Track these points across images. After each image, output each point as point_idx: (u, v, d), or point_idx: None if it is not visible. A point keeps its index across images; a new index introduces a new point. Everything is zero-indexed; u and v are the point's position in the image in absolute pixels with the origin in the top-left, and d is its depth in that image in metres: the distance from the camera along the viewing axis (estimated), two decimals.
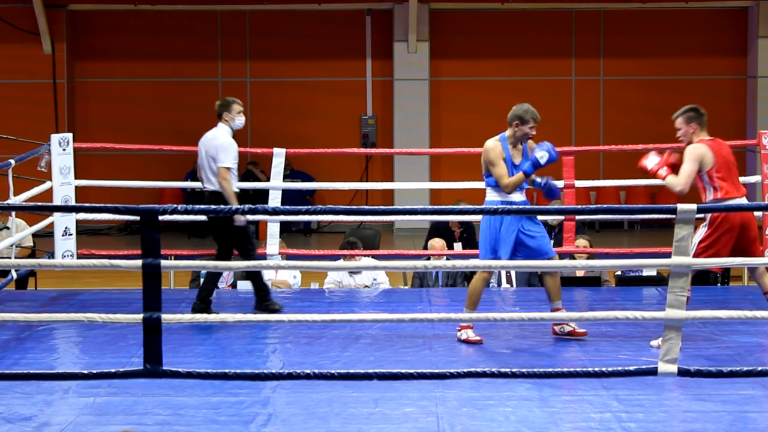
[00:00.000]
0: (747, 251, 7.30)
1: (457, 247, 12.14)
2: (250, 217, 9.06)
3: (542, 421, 6.12)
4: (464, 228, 12.47)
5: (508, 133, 7.77)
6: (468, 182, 10.37)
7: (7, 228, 11.42)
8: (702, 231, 7.39)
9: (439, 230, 12.25)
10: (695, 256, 7.30)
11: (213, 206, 6.42)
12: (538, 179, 7.81)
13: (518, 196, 7.71)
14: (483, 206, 7.21)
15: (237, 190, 8.53)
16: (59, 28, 19.13)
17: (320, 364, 7.15)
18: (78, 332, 8.10)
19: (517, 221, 7.63)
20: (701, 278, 9.80)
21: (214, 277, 8.68)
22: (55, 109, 19.14)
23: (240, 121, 8.55)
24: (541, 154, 7.58)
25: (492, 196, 7.74)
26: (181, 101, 19.42)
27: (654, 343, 7.34)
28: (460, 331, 7.77)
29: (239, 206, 7.26)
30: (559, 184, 10.05)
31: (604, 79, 19.60)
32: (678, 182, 7.35)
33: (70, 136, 9.86)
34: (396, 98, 19.29)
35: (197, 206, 6.35)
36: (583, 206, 6.49)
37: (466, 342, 7.70)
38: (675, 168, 7.44)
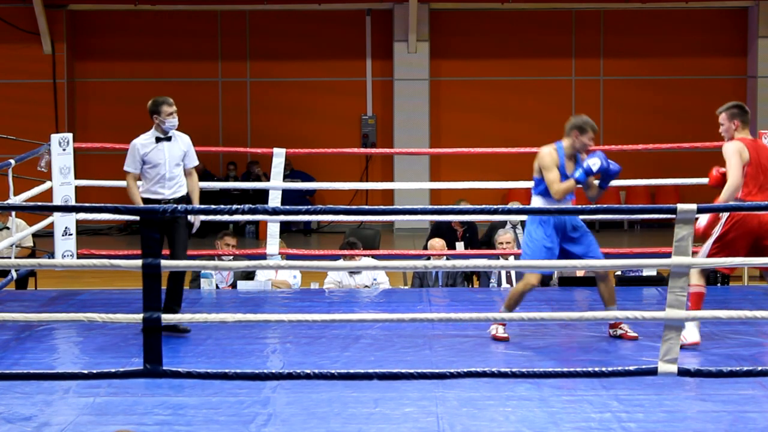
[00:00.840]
0: (764, 254, 7.13)
1: (460, 246, 12.14)
2: (250, 217, 8.96)
3: (542, 421, 6.12)
4: (466, 228, 12.47)
5: (565, 143, 7.68)
6: (468, 182, 10.37)
7: (7, 228, 11.42)
8: (718, 230, 7.30)
9: (441, 230, 12.25)
10: (710, 255, 7.24)
11: (214, 206, 6.40)
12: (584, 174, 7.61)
13: (564, 202, 7.63)
14: (483, 206, 7.18)
15: (145, 197, 7.89)
16: (59, 28, 19.14)
17: (320, 364, 7.15)
18: (78, 332, 8.09)
19: (561, 230, 7.59)
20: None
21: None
22: (55, 109, 19.14)
23: (170, 123, 7.98)
24: (594, 161, 7.52)
25: (537, 204, 7.69)
26: (181, 101, 19.31)
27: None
28: (492, 325, 7.81)
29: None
30: None
31: (604, 79, 19.61)
32: (729, 184, 7.20)
33: (70, 136, 9.86)
34: (396, 98, 19.29)
35: (197, 206, 6.36)
36: (583, 206, 6.46)
37: (494, 338, 7.73)
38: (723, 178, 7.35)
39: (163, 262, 5.96)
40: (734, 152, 7.22)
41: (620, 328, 7.76)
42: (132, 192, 7.93)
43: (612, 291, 7.72)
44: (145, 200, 7.85)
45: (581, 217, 7.84)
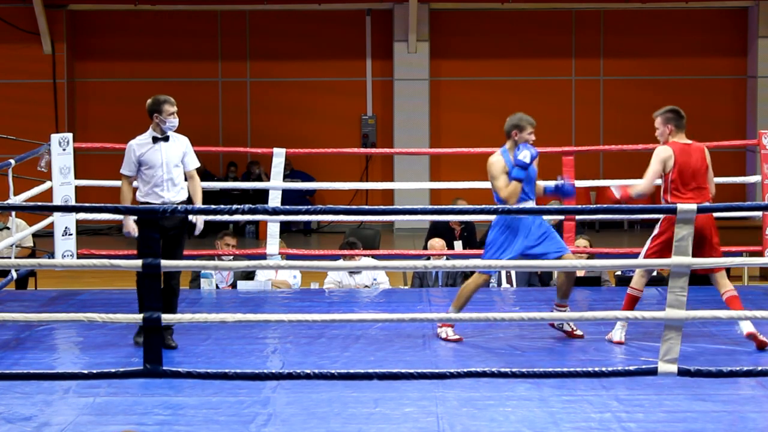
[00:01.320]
0: (704, 251, 7.30)
1: (458, 245, 12.13)
2: (250, 217, 8.89)
3: (542, 421, 6.12)
4: (465, 226, 12.47)
5: (508, 145, 7.77)
6: (468, 182, 10.37)
7: (8, 228, 11.42)
8: (656, 229, 7.50)
9: (439, 229, 12.25)
10: (648, 254, 7.42)
11: (214, 206, 6.39)
12: (549, 185, 7.82)
13: (528, 204, 7.67)
14: (483, 206, 7.18)
15: (143, 200, 7.57)
16: (59, 28, 19.13)
17: (320, 364, 7.15)
18: (78, 332, 8.10)
19: (524, 238, 7.60)
20: (702, 278, 9.79)
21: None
22: (55, 109, 19.14)
23: (171, 123, 7.70)
24: (523, 154, 7.57)
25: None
26: (181, 101, 19.31)
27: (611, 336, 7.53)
28: (440, 328, 7.81)
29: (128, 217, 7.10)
30: None
31: (604, 79, 19.61)
32: (639, 184, 7.48)
33: (70, 136, 9.86)
34: (396, 98, 19.29)
35: (197, 206, 6.36)
36: (583, 206, 6.48)
37: (446, 340, 7.72)
38: None
39: (164, 262, 5.96)
40: (657, 159, 7.39)
41: (567, 325, 7.82)
42: (124, 196, 7.62)
43: (569, 285, 7.79)
44: (145, 204, 7.50)
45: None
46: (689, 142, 7.49)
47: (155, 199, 7.54)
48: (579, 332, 7.81)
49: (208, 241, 11.21)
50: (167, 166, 7.61)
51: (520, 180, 7.60)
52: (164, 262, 6.01)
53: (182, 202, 7.65)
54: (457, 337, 7.75)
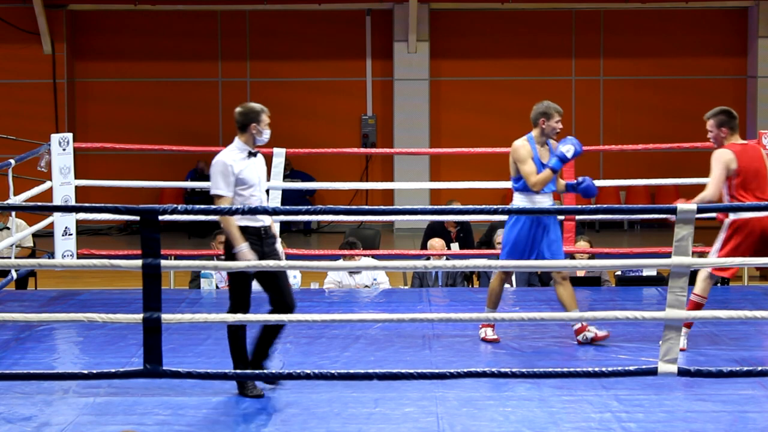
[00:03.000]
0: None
1: (454, 247, 12.13)
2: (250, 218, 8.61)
3: (542, 421, 6.12)
4: (460, 228, 12.47)
5: (534, 133, 7.71)
6: (468, 182, 10.37)
7: (8, 228, 11.42)
8: (721, 236, 7.19)
9: (435, 231, 12.25)
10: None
11: (214, 206, 6.37)
12: (572, 181, 7.78)
13: (546, 201, 7.62)
14: (482, 206, 7.17)
15: (244, 224, 6.55)
16: (59, 28, 19.13)
17: (320, 364, 7.15)
18: (78, 332, 8.10)
19: (542, 231, 7.56)
20: None
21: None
22: (55, 109, 19.14)
23: (267, 135, 6.79)
24: (567, 148, 7.53)
25: (518, 200, 7.65)
26: (181, 101, 19.43)
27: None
28: (481, 328, 7.81)
29: (242, 246, 6.36)
30: None
31: (604, 79, 19.60)
32: (706, 193, 7.11)
33: (70, 136, 9.85)
34: (396, 98, 19.28)
35: (197, 206, 6.36)
36: (583, 206, 6.47)
37: (484, 340, 7.73)
38: None
39: (163, 263, 5.96)
40: (719, 163, 7.12)
41: (589, 331, 7.67)
42: (231, 222, 6.49)
43: (571, 294, 7.70)
44: (243, 228, 6.53)
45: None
46: (745, 142, 7.29)
47: (254, 223, 6.57)
48: (602, 332, 7.66)
49: (208, 241, 11.21)
50: (261, 184, 6.72)
51: (555, 171, 7.51)
52: (164, 263, 6.00)
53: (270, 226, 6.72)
54: (495, 337, 7.73)
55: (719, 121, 7.23)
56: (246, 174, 6.59)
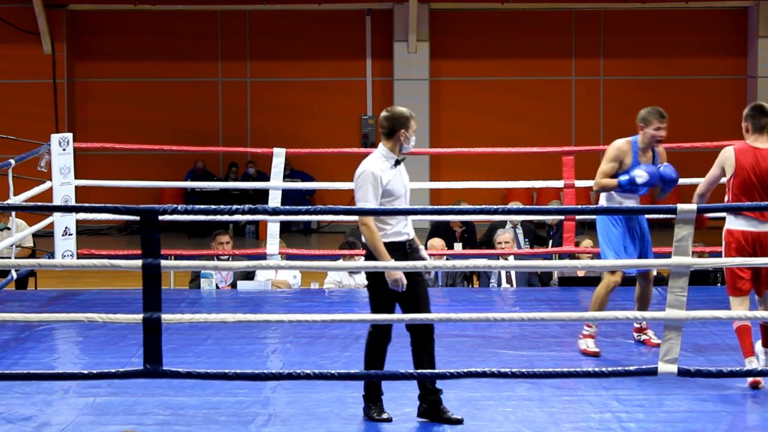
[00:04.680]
0: None
1: (458, 247, 12.13)
2: (250, 217, 8.55)
3: (542, 421, 6.12)
4: (465, 228, 12.46)
5: (639, 136, 7.44)
6: (468, 182, 10.36)
7: (8, 228, 11.42)
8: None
9: (440, 230, 12.24)
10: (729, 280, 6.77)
11: (214, 206, 6.33)
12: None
13: (630, 202, 7.42)
14: (482, 206, 7.14)
15: (388, 240, 6.15)
16: (59, 28, 19.13)
17: (320, 364, 7.15)
18: (78, 332, 8.10)
19: (631, 230, 7.41)
20: (701, 278, 9.78)
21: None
22: (55, 109, 19.14)
23: (413, 141, 6.33)
24: (640, 174, 7.24)
25: (603, 201, 7.49)
26: (181, 101, 19.43)
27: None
28: (581, 339, 7.47)
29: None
30: (559, 184, 10.05)
31: (604, 79, 19.60)
32: (698, 188, 6.94)
33: (70, 136, 9.85)
34: (396, 98, 19.28)
35: (197, 206, 6.35)
36: (583, 206, 6.47)
37: (585, 353, 7.40)
38: None
39: (163, 263, 5.96)
40: (717, 164, 6.81)
41: (644, 334, 7.63)
42: (376, 236, 6.08)
43: (649, 296, 7.54)
44: (390, 245, 6.14)
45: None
46: (760, 147, 6.72)
47: (400, 238, 6.21)
48: (656, 340, 7.48)
49: (209, 241, 11.21)
50: (407, 194, 6.29)
51: (620, 187, 7.29)
52: (164, 263, 6.00)
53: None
54: (596, 350, 7.37)
55: (744, 114, 6.80)
56: (394, 185, 6.15)
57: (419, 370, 6.10)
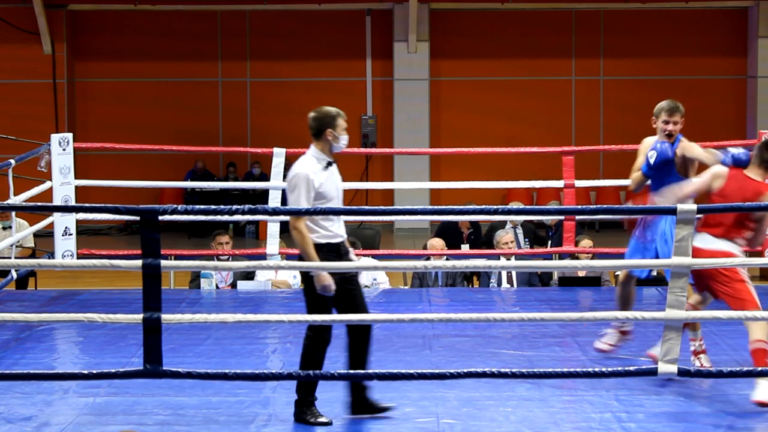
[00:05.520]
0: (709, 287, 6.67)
1: (465, 248, 12.10)
2: (250, 217, 8.47)
3: (542, 421, 6.12)
4: (473, 230, 12.46)
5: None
6: (468, 182, 10.36)
7: (10, 227, 11.42)
8: None
9: (446, 231, 12.23)
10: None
11: (214, 206, 6.32)
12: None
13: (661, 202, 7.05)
14: (482, 206, 7.12)
15: (324, 242, 6.12)
16: (59, 28, 19.14)
17: None
18: (78, 332, 8.10)
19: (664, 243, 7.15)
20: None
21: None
22: (55, 109, 19.15)
23: (344, 140, 6.24)
24: (651, 153, 7.15)
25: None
26: (181, 101, 19.43)
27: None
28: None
29: (319, 264, 5.94)
30: (559, 184, 10.06)
31: (604, 79, 19.61)
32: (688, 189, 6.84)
33: (70, 136, 9.85)
34: (396, 98, 19.29)
35: (197, 206, 6.34)
36: (583, 206, 6.47)
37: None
38: None
39: (163, 263, 5.96)
40: (709, 174, 6.73)
41: (698, 359, 7.05)
42: (307, 240, 6.05)
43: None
44: (321, 246, 6.09)
45: None
46: (753, 178, 6.65)
47: (333, 240, 6.14)
48: (707, 365, 6.95)
49: (207, 241, 11.21)
50: (341, 195, 6.26)
51: (645, 174, 7.16)
52: (164, 263, 6.00)
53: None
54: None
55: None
56: (326, 187, 6.10)
57: (411, 370, 6.10)
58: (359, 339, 6.18)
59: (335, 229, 6.15)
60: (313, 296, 6.09)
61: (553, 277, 10.51)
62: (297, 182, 6.06)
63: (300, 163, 6.11)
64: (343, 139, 6.20)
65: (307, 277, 6.10)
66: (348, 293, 6.14)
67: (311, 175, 6.06)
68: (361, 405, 6.20)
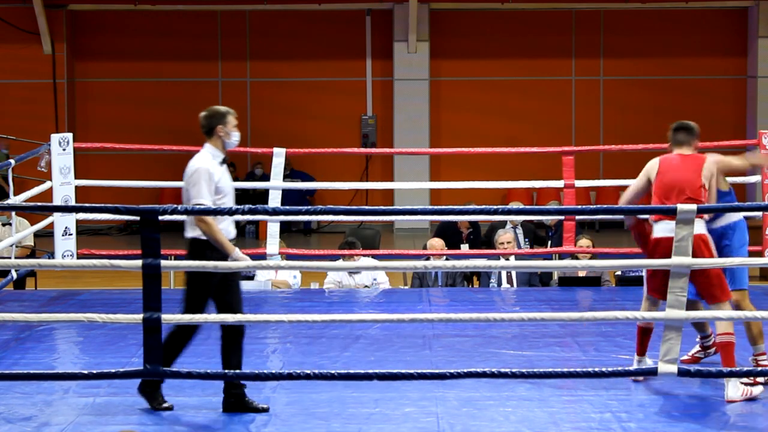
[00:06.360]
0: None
1: (465, 248, 12.10)
2: (250, 217, 8.53)
3: (542, 421, 6.12)
4: (472, 230, 12.46)
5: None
6: (468, 182, 10.36)
7: (10, 224, 11.42)
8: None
9: (446, 231, 12.22)
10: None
11: (214, 207, 6.32)
12: None
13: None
14: (482, 206, 7.11)
15: (232, 236, 6.42)
16: (59, 28, 19.13)
17: (320, 364, 7.15)
18: (78, 332, 8.10)
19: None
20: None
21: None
22: (55, 109, 19.14)
23: (236, 137, 6.47)
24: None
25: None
26: (181, 101, 19.41)
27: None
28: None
29: (237, 252, 6.21)
30: (559, 184, 10.06)
31: (604, 79, 19.60)
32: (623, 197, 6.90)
33: (70, 136, 9.86)
34: (396, 98, 19.28)
35: (198, 207, 6.32)
36: (583, 206, 6.47)
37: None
38: None
39: (163, 263, 5.96)
40: (642, 173, 6.90)
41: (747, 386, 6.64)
42: (214, 229, 6.22)
43: (756, 327, 6.70)
44: (208, 242, 6.30)
45: None
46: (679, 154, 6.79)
47: (228, 236, 6.36)
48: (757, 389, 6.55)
49: None
50: (233, 192, 6.47)
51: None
52: (164, 263, 6.00)
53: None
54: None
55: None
56: (223, 183, 6.33)
57: (411, 370, 6.10)
58: (232, 336, 6.38)
59: (226, 226, 6.34)
60: (195, 291, 6.32)
61: (553, 277, 10.51)
62: (199, 176, 6.22)
63: (198, 159, 6.28)
64: (235, 135, 6.42)
65: (194, 271, 6.29)
66: (228, 290, 6.39)
67: (211, 169, 6.25)
68: (236, 404, 6.28)
